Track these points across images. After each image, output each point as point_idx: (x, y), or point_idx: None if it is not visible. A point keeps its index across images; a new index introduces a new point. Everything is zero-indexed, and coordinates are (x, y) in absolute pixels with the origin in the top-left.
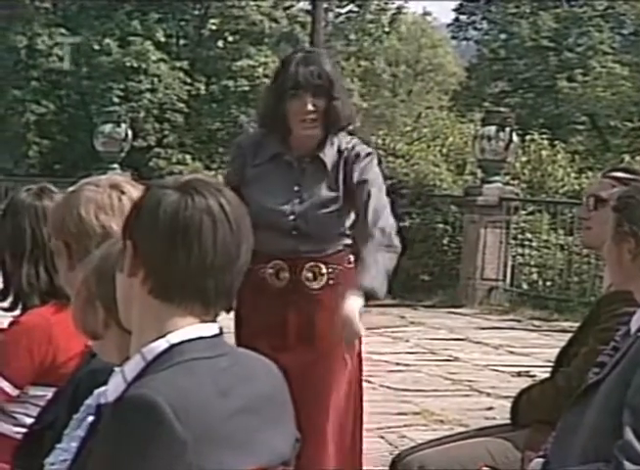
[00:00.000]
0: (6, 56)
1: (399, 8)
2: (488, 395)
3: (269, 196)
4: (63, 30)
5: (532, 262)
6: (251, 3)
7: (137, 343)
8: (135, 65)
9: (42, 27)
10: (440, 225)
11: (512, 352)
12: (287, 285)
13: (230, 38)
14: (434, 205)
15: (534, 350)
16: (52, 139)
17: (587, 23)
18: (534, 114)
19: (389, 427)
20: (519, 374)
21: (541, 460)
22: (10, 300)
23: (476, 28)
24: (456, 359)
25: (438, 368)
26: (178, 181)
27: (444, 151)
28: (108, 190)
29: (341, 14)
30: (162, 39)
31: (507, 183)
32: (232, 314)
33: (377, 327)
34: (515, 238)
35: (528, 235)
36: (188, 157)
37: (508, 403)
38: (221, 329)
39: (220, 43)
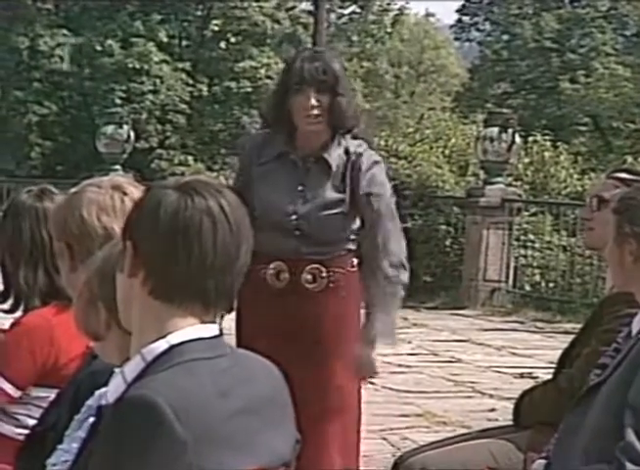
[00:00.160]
0: (8, 57)
1: (401, 9)
2: (491, 396)
3: (274, 195)
4: (65, 31)
5: (535, 264)
6: (254, 4)
7: (137, 343)
8: (137, 66)
9: (44, 29)
10: (443, 227)
11: (514, 354)
12: (286, 286)
13: (232, 39)
14: (437, 206)
15: (537, 351)
16: (54, 140)
17: (590, 25)
18: (537, 115)
19: (392, 429)
20: (521, 375)
21: (543, 462)
22: (10, 301)
23: (478, 30)
24: (458, 361)
25: (441, 370)
26: (178, 182)
27: (447, 152)
28: (110, 191)
29: (343, 15)
30: (165, 40)
31: (509, 184)
32: (233, 314)
33: None
34: (517, 239)
35: (531, 236)
36: (190, 158)
37: (510, 405)
38: (221, 330)
39: (223, 44)
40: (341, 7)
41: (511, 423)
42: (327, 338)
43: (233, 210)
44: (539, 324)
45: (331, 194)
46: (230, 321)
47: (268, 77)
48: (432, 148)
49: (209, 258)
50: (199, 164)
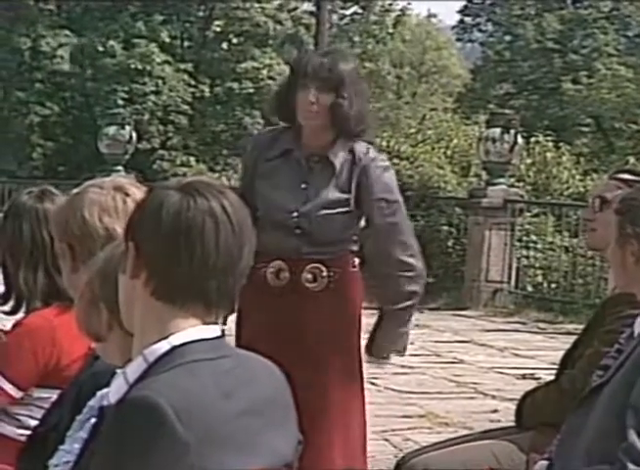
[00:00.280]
0: (10, 58)
1: (403, 10)
2: (493, 397)
3: (276, 192)
4: (67, 32)
5: (537, 264)
6: (256, 5)
7: (139, 344)
8: (139, 67)
9: (46, 29)
10: (445, 227)
11: (517, 355)
12: (286, 285)
13: (234, 40)
14: (439, 207)
15: (539, 352)
16: (56, 141)
17: (592, 25)
18: (539, 116)
19: (394, 430)
20: (523, 376)
21: (546, 463)
22: (12, 303)
23: (480, 30)
24: (461, 362)
25: (443, 371)
26: (180, 183)
27: (449, 153)
28: (112, 192)
29: (345, 16)
30: (167, 41)
31: (512, 185)
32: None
33: None
34: (519, 240)
35: (533, 237)
36: (192, 159)
37: (513, 406)
38: (223, 331)
39: (225, 45)
40: (342, 8)
41: (513, 424)
42: (327, 337)
43: (235, 210)
44: (541, 325)
45: (334, 194)
46: (230, 322)
47: (270, 78)
48: (434, 149)
49: (212, 258)
50: (201, 164)
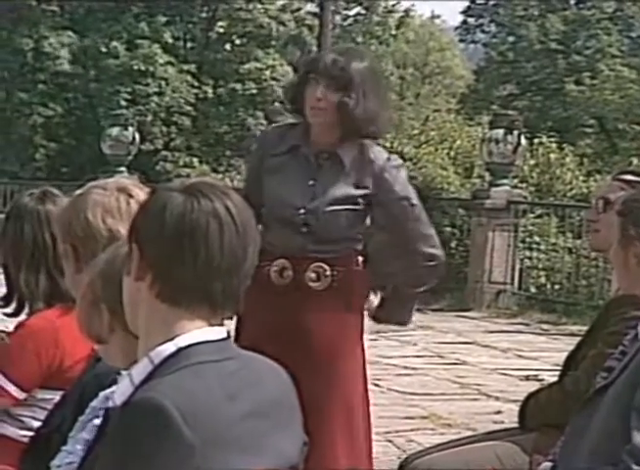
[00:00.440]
0: (12, 59)
1: (407, 11)
2: (496, 398)
3: (283, 188)
4: (70, 33)
5: (540, 266)
6: (259, 6)
7: (144, 346)
8: (142, 68)
9: (49, 30)
10: (448, 228)
11: (520, 356)
12: (290, 284)
13: (237, 41)
14: (442, 208)
15: (542, 353)
16: (59, 142)
17: (596, 26)
18: (542, 117)
19: (397, 431)
20: (527, 378)
21: (549, 464)
22: (14, 305)
23: (484, 31)
24: (464, 363)
25: (446, 372)
26: (184, 184)
27: (452, 154)
28: (115, 193)
29: (348, 16)
30: (170, 42)
31: (515, 186)
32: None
33: (384, 331)
34: (523, 241)
35: (536, 238)
36: (195, 160)
37: (516, 407)
38: (229, 332)
39: (228, 46)
40: (345, 8)
41: (516, 425)
42: (330, 337)
43: (239, 211)
44: (545, 326)
45: (342, 191)
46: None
47: (273, 79)
48: (437, 150)
49: (216, 260)
50: (204, 165)
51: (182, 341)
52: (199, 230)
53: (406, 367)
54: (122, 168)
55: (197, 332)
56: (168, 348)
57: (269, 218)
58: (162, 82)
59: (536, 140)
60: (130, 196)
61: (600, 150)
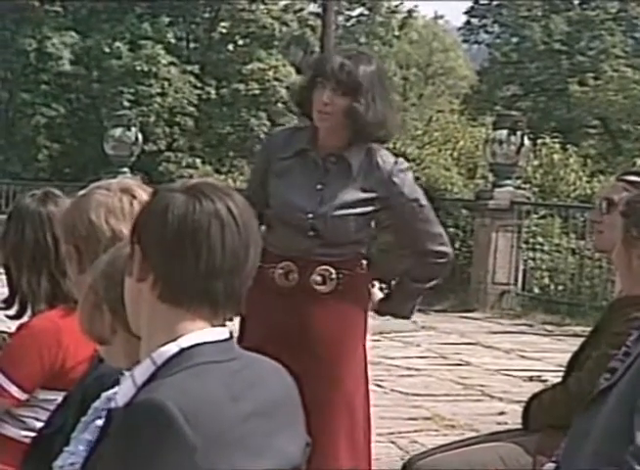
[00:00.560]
0: (15, 59)
1: (410, 11)
2: (500, 399)
3: (291, 192)
4: (72, 34)
5: (544, 266)
6: (262, 6)
7: (146, 347)
8: (145, 68)
9: (52, 31)
10: (451, 229)
11: (523, 357)
12: (295, 286)
13: (240, 42)
14: (445, 209)
15: (546, 354)
16: (61, 143)
17: (599, 27)
18: (546, 117)
19: (400, 432)
20: (530, 379)
21: (553, 465)
22: (16, 307)
23: (487, 32)
24: (467, 364)
25: (450, 373)
26: (186, 185)
27: (455, 155)
28: (118, 194)
29: (351, 17)
30: (173, 42)
31: (518, 187)
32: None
33: (388, 332)
34: (526, 242)
35: (540, 239)
36: (198, 160)
37: (520, 408)
38: (231, 333)
39: (230, 46)
40: (348, 9)
41: (520, 426)
42: (333, 340)
43: (241, 212)
44: (548, 327)
45: (350, 195)
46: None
47: (276, 80)
48: (440, 150)
49: (218, 261)
50: (207, 166)
51: (184, 341)
52: (200, 231)
53: (409, 368)
54: (125, 169)
55: (199, 333)
56: (171, 348)
57: (274, 220)
58: (165, 83)
59: (540, 141)
60: (133, 197)
61: (603, 150)
